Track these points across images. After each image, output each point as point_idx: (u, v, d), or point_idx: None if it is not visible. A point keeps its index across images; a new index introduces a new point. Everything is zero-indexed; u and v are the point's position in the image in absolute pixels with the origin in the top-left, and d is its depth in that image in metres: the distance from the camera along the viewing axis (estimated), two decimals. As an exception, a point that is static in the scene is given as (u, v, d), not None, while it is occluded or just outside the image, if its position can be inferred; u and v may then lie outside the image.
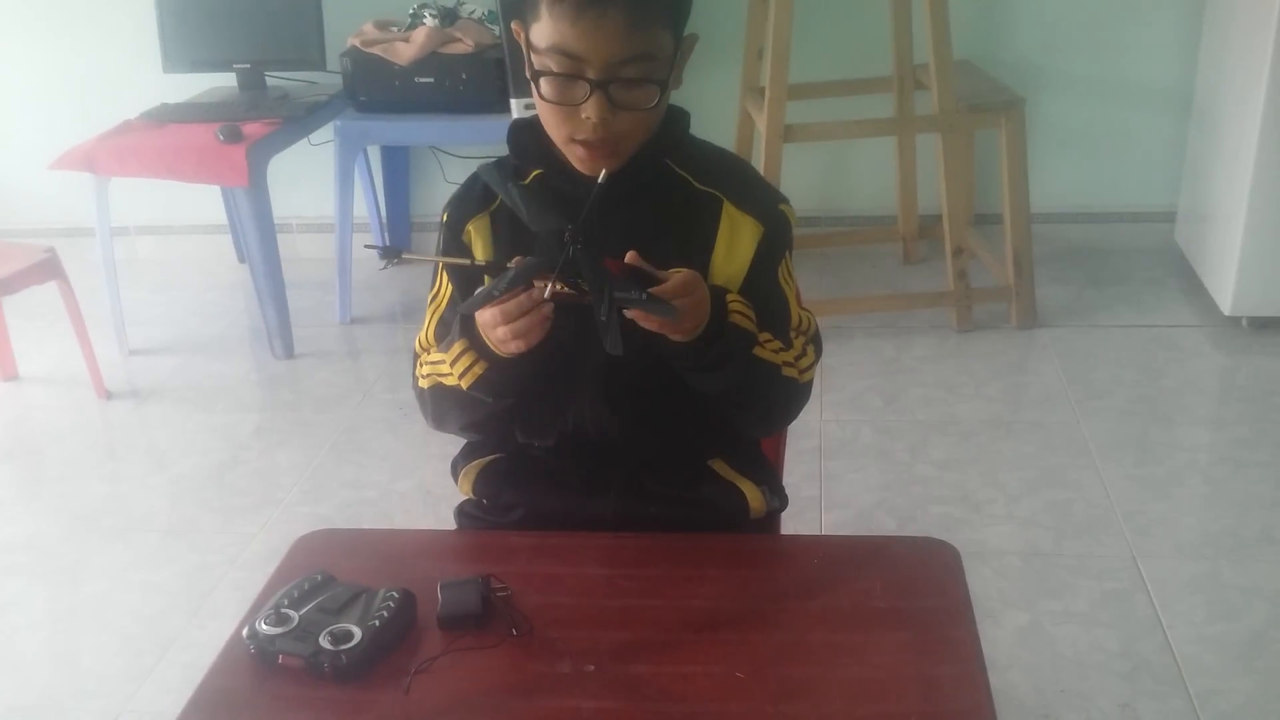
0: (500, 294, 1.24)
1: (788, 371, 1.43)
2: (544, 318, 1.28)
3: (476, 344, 1.36)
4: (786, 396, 1.47)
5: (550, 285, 1.22)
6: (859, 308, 3.69)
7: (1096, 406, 3.11)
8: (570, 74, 1.30)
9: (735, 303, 1.37)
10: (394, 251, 1.30)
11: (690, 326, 1.31)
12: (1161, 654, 2.21)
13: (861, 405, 3.19)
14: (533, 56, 1.34)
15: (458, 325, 1.39)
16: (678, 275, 1.29)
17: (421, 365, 1.50)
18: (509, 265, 1.25)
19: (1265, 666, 2.17)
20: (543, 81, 1.33)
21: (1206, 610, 2.33)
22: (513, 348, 1.31)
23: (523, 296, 1.26)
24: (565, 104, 1.33)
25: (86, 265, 3.70)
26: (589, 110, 1.31)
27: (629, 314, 1.26)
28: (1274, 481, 2.74)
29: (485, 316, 1.31)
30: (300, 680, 1.18)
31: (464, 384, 1.39)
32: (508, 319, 1.28)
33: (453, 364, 1.39)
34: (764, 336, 1.41)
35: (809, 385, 1.49)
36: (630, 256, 1.28)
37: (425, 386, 1.49)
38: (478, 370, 1.38)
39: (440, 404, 1.48)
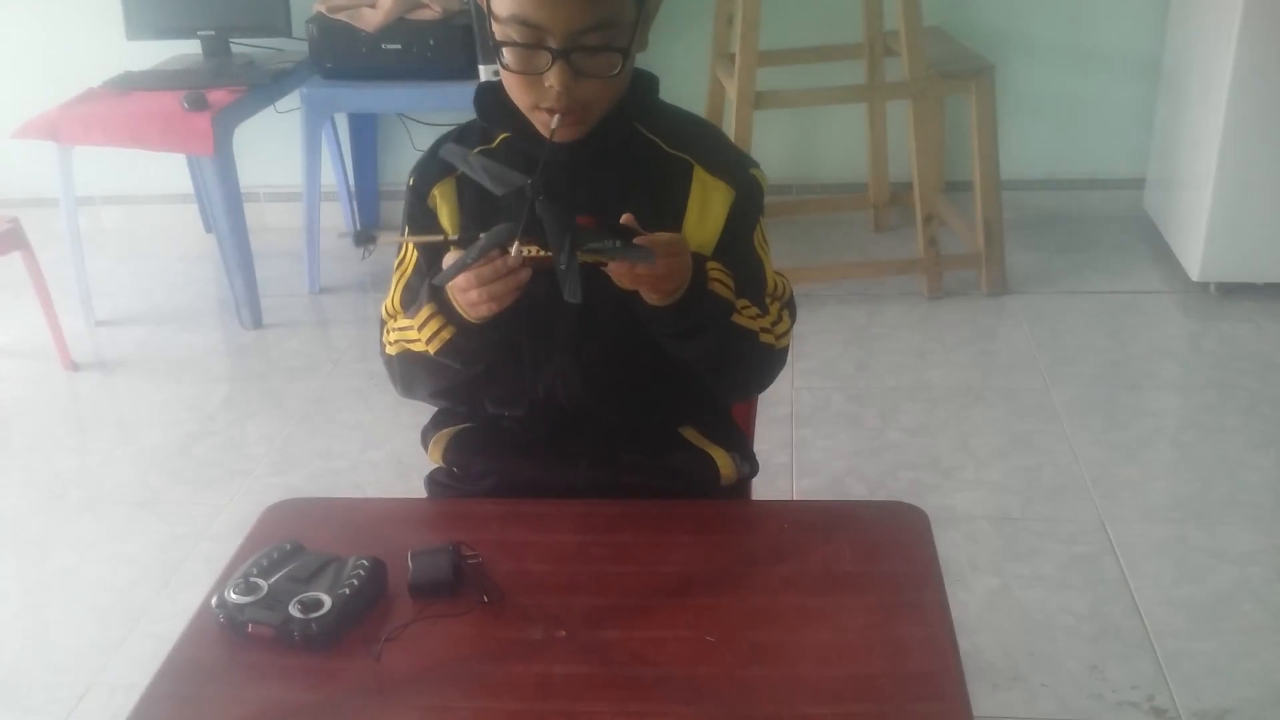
0: (473, 261, 1.23)
1: (764, 338, 1.43)
2: (518, 282, 1.27)
3: (444, 308, 1.35)
4: (763, 362, 1.47)
5: (518, 247, 1.21)
6: (830, 275, 3.70)
7: (1065, 372, 3.13)
8: (532, 44, 1.29)
9: (715, 270, 1.37)
10: (367, 236, 1.28)
11: (669, 289, 1.30)
12: (1129, 616, 2.24)
13: (832, 372, 3.20)
14: (494, 26, 1.32)
15: (425, 290, 1.38)
16: (662, 234, 1.28)
17: (389, 332, 1.49)
18: (480, 236, 1.24)
19: (1231, 628, 2.20)
20: (505, 51, 1.32)
21: (1174, 573, 2.35)
22: (484, 310, 1.30)
23: (497, 261, 1.25)
24: (528, 73, 1.32)
25: (51, 236, 3.66)
26: (551, 79, 1.30)
27: (609, 269, 1.25)
28: (1240, 445, 2.77)
29: (458, 280, 1.30)
30: (270, 649, 1.18)
31: (431, 349, 1.38)
32: (481, 282, 1.27)
33: (420, 328, 1.38)
34: (741, 303, 1.40)
35: (785, 351, 1.49)
36: (625, 218, 1.27)
37: (393, 354, 1.48)
38: (445, 335, 1.37)
39: (409, 371, 1.47)
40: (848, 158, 4.13)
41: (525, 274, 1.26)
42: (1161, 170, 3.84)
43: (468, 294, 1.29)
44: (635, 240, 1.25)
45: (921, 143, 3.51)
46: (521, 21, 1.28)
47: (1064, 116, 4.04)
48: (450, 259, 1.28)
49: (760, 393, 1.62)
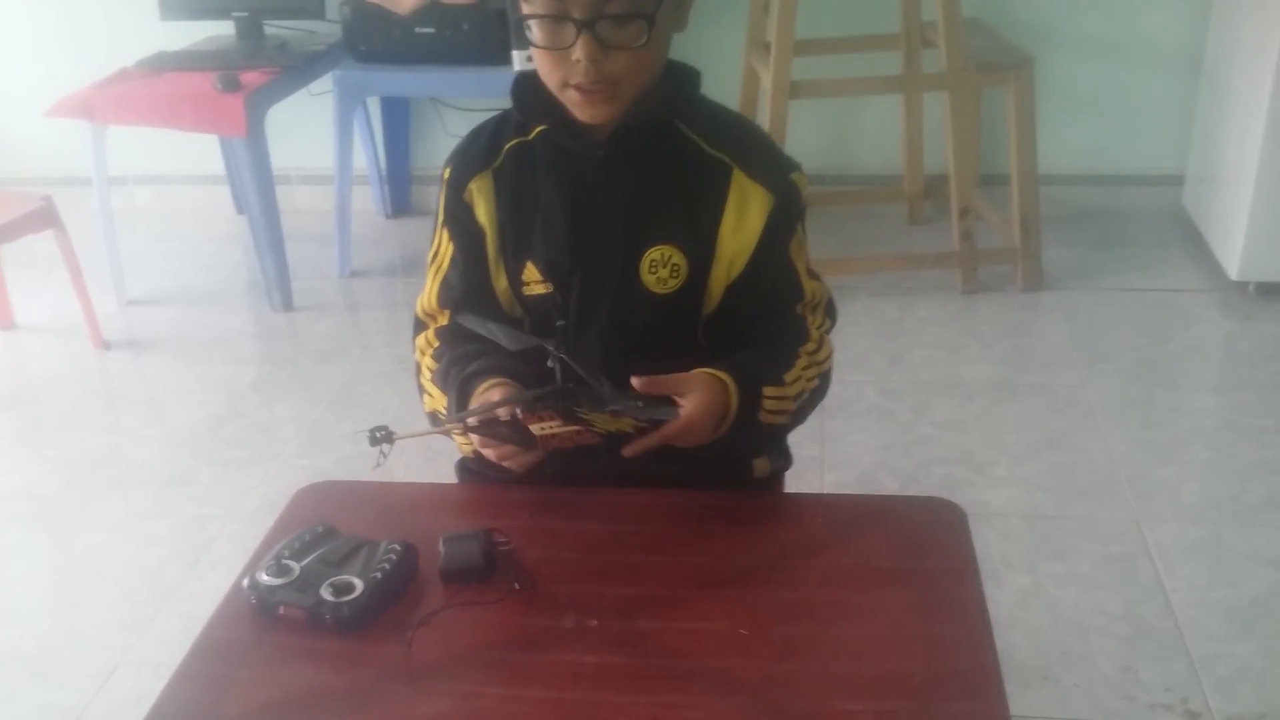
0: (474, 424, 1.28)
1: (809, 385, 1.43)
2: (538, 457, 1.30)
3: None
4: (813, 402, 1.47)
5: (517, 412, 1.22)
6: (864, 268, 3.67)
7: (1101, 370, 3.10)
8: (555, 15, 1.28)
9: (770, 399, 1.36)
10: (384, 436, 1.27)
11: (700, 438, 1.31)
12: (1163, 618, 2.21)
13: (865, 365, 3.17)
14: (523, 4, 1.31)
15: (454, 401, 1.39)
16: (676, 382, 1.29)
17: (425, 384, 1.48)
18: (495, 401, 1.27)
19: (1266, 631, 2.16)
20: (533, 28, 1.31)
21: (1208, 575, 2.32)
22: (506, 465, 1.34)
23: (510, 447, 1.29)
24: (555, 48, 1.31)
25: (83, 214, 3.66)
26: (578, 52, 1.29)
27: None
28: (1277, 447, 2.73)
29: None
30: (301, 631, 1.17)
31: (462, 450, 1.45)
32: (501, 455, 1.31)
33: (449, 428, 1.40)
34: (791, 377, 1.39)
35: (829, 370, 1.49)
36: (636, 382, 1.26)
37: (426, 410, 1.50)
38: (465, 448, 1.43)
39: (435, 423, 1.49)
40: (883, 149, 4.10)
41: (539, 452, 1.29)
42: (1201, 167, 3.79)
43: (486, 451, 1.33)
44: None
45: (958, 135, 3.48)
46: None
47: (1103, 111, 4.00)
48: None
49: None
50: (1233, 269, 3.41)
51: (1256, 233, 3.31)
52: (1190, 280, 3.57)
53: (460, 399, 1.38)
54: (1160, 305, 3.44)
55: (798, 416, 1.43)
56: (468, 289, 1.48)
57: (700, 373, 1.32)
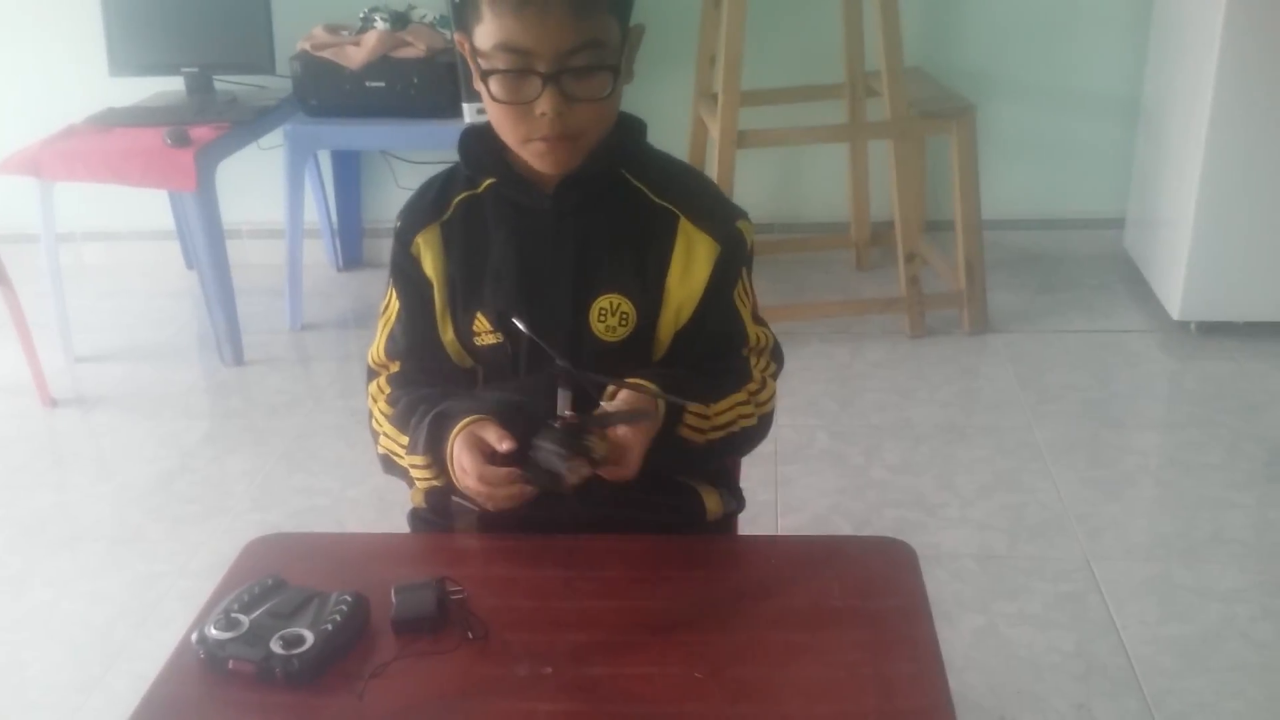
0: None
1: (744, 423, 1.43)
2: (523, 497, 1.30)
3: (439, 464, 1.36)
4: (749, 440, 1.47)
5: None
6: (813, 313, 3.71)
7: (1048, 410, 3.14)
8: (520, 69, 1.29)
9: (692, 416, 1.37)
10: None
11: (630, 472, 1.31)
12: (1115, 655, 2.23)
13: (816, 410, 3.20)
14: (480, 60, 1.32)
15: (425, 435, 1.37)
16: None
17: (379, 427, 1.48)
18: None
19: (1218, 665, 2.19)
20: (492, 82, 1.31)
21: (1159, 611, 2.35)
22: (479, 501, 1.33)
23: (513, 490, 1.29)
24: (518, 102, 1.31)
25: (31, 271, 3.63)
26: (543, 105, 1.30)
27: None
28: (1223, 483, 2.77)
29: (466, 467, 1.30)
30: (251, 685, 1.16)
31: (419, 486, 1.42)
32: (486, 483, 1.29)
33: (410, 464, 1.40)
34: (721, 407, 1.40)
35: (770, 413, 1.49)
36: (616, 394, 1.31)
37: (379, 451, 1.48)
38: (436, 483, 1.39)
39: (391, 470, 1.49)
40: (830, 197, 4.16)
41: (529, 491, 1.29)
42: (1141, 210, 3.87)
43: (468, 485, 1.31)
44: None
45: (903, 182, 3.53)
46: (508, 48, 1.28)
47: (1044, 156, 4.08)
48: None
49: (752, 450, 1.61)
50: (1174, 309, 3.47)
51: (1196, 273, 3.38)
52: (1133, 321, 3.64)
53: (431, 439, 1.36)
54: (1104, 345, 3.50)
55: (726, 445, 1.43)
56: (412, 343, 1.49)
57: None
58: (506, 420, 1.32)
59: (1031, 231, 4.14)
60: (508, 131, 1.36)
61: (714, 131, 3.46)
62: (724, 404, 1.40)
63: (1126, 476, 2.84)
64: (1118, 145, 3.98)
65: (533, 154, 1.36)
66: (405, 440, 1.42)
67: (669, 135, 3.47)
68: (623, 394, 1.31)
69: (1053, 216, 4.14)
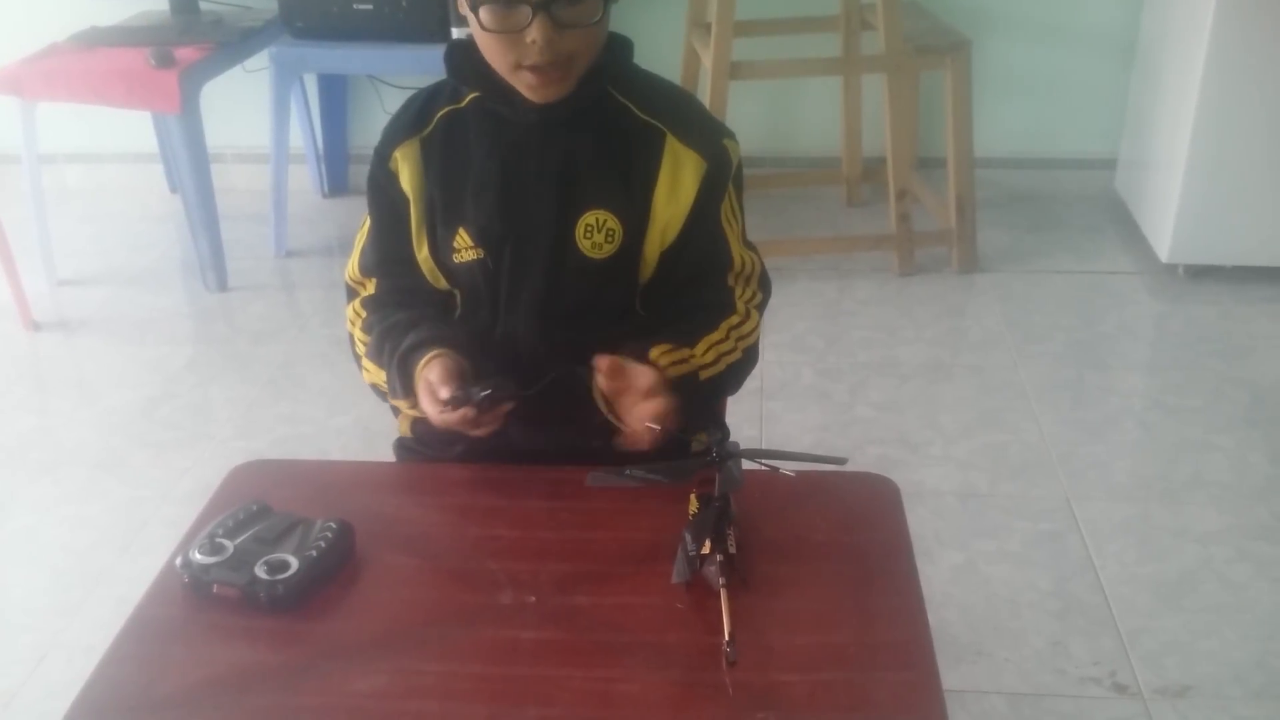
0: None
1: (729, 359, 1.42)
2: (497, 423, 1.33)
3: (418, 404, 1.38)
4: (736, 376, 1.46)
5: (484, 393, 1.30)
6: (802, 250, 3.69)
7: (1034, 351, 3.15)
8: None
9: (661, 354, 1.36)
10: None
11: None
12: (1093, 593, 2.25)
13: (803, 346, 3.19)
14: None
15: (397, 379, 1.39)
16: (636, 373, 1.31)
17: (361, 357, 1.49)
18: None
19: (1193, 605, 2.21)
20: (482, 11, 1.29)
21: (1137, 551, 2.37)
22: (457, 429, 1.34)
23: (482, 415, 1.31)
24: (508, 31, 1.29)
25: (13, 194, 3.59)
26: (534, 34, 1.28)
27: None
28: (1204, 426, 2.79)
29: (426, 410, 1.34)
30: (235, 610, 1.16)
31: (406, 416, 1.46)
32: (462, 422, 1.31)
33: (396, 404, 1.43)
34: (704, 345, 1.39)
35: (755, 344, 1.48)
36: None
37: (366, 381, 1.50)
38: (417, 414, 1.42)
39: (383, 400, 1.50)
40: (822, 131, 4.12)
41: (502, 414, 1.32)
42: (1133, 151, 3.85)
43: (443, 416, 1.32)
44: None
45: (896, 118, 3.50)
46: None
47: (1038, 95, 4.05)
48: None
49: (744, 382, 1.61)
50: (1163, 252, 3.47)
51: (1186, 216, 3.38)
52: (1121, 263, 3.63)
53: (401, 376, 1.38)
54: (1092, 287, 3.50)
55: (714, 385, 1.43)
56: (383, 257, 1.48)
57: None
58: (460, 346, 1.38)
59: (1023, 170, 4.12)
60: (497, 57, 1.34)
61: (706, 62, 3.42)
62: (700, 346, 1.40)
63: (1109, 418, 2.85)
64: (1112, 85, 3.96)
65: (523, 84, 1.34)
66: (383, 376, 1.43)
67: (661, 64, 3.41)
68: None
69: (1045, 156, 4.12)
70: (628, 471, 1.22)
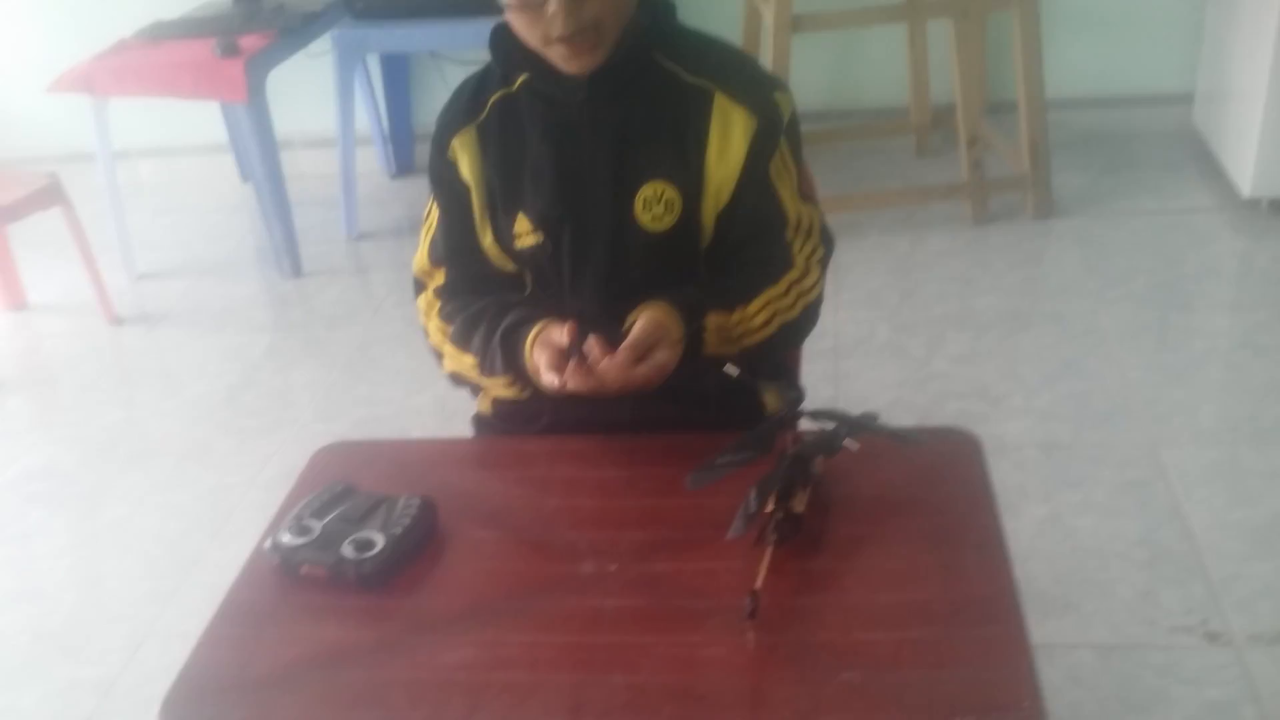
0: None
1: (784, 317, 1.41)
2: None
3: (522, 378, 1.39)
4: (793, 334, 1.45)
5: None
6: (872, 203, 3.65)
7: (1115, 295, 3.08)
8: None
9: (711, 330, 1.36)
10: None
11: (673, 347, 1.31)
12: (1181, 541, 2.21)
13: (877, 302, 3.16)
14: None
15: (500, 355, 1.39)
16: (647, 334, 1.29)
17: (440, 346, 1.50)
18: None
19: (1287, 548, 2.17)
20: None
21: (1226, 496, 2.32)
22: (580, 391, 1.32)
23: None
24: (530, 7, 1.29)
25: (89, 190, 3.66)
26: (554, 5, 1.27)
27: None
28: (1295, 364, 2.72)
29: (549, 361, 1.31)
30: (324, 589, 1.18)
31: (504, 394, 1.46)
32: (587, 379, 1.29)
33: (490, 383, 1.44)
34: (761, 301, 1.38)
35: (816, 300, 1.46)
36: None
37: (446, 370, 1.51)
38: (523, 395, 1.43)
39: (462, 385, 1.52)
40: (888, 81, 4.06)
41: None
42: (1211, 84, 3.74)
43: (571, 379, 1.29)
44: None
45: (964, 63, 3.44)
46: None
47: (1109, 31, 3.94)
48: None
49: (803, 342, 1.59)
50: (1245, 186, 3.37)
51: (1268, 148, 3.27)
52: (1202, 200, 3.54)
53: (505, 351, 1.39)
54: (1172, 227, 3.41)
55: (767, 347, 1.42)
56: (453, 247, 1.49)
57: (648, 308, 1.33)
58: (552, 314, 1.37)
59: (1097, 110, 4.02)
60: (529, 36, 1.34)
61: (768, 17, 3.38)
62: (757, 303, 1.38)
63: (1194, 360, 2.78)
64: (1186, 16, 3.84)
65: (557, 57, 1.34)
66: (470, 360, 1.43)
67: (720, 22, 3.39)
68: (638, 324, 1.30)
69: (1119, 94, 4.01)
70: (718, 462, 1.23)
